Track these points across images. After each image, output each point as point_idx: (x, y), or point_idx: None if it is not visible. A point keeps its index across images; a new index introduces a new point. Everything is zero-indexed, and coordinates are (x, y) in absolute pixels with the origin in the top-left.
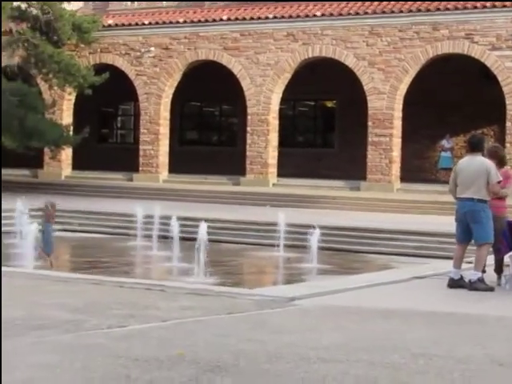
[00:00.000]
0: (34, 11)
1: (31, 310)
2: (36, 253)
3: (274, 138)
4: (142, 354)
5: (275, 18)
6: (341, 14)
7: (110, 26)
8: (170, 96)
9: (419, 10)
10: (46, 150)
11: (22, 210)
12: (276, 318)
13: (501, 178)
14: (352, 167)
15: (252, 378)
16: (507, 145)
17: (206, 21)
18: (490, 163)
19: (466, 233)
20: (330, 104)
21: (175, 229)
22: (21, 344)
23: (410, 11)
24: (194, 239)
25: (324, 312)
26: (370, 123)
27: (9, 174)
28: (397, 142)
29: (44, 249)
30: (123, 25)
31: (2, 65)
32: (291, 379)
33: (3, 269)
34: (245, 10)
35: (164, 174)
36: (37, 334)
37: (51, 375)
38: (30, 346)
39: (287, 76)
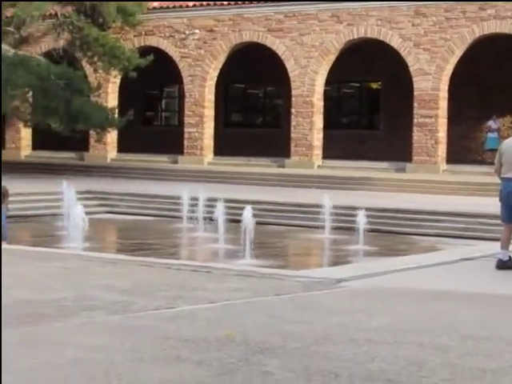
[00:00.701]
0: None
1: (80, 291)
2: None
3: (318, 119)
4: (190, 335)
5: None
6: None
7: (154, 8)
8: (215, 78)
9: None
10: (92, 132)
11: (68, 193)
12: (323, 299)
13: None
14: (397, 149)
15: (300, 360)
16: None
17: (251, 2)
18: None
19: (510, 213)
20: (374, 85)
21: (221, 211)
22: (71, 324)
23: None
24: (240, 221)
25: (372, 294)
26: (415, 104)
27: (55, 156)
28: (442, 122)
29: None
30: (168, 7)
31: (48, 48)
32: (340, 361)
33: (52, 250)
34: None
35: (209, 156)
36: (86, 315)
37: (101, 356)
38: (79, 327)
39: (332, 57)
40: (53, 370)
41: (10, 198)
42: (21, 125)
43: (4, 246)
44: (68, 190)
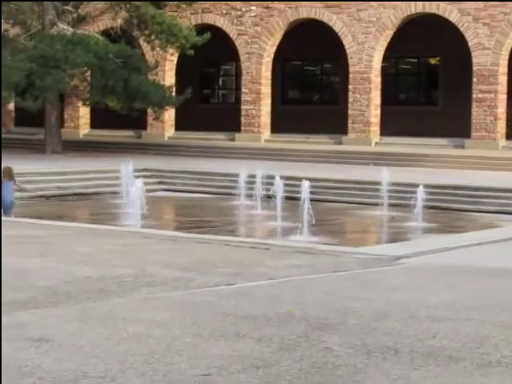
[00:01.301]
0: None
1: (140, 267)
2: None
3: (376, 96)
4: (250, 312)
5: None
6: None
7: None
8: (272, 55)
9: None
10: (150, 111)
11: (126, 171)
12: (383, 276)
13: None
14: (456, 125)
15: (360, 336)
16: None
17: None
18: None
19: None
20: (433, 61)
21: (278, 188)
22: (132, 300)
23: None
24: (297, 198)
25: (431, 270)
26: (474, 79)
27: (113, 135)
28: (502, 98)
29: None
30: None
31: (106, 27)
32: (400, 337)
33: (112, 227)
34: None
35: (266, 133)
36: (147, 291)
37: (162, 331)
38: (140, 303)
39: (389, 33)
40: (115, 344)
41: (73, 176)
42: (79, 104)
43: (14, 219)
44: (126, 168)
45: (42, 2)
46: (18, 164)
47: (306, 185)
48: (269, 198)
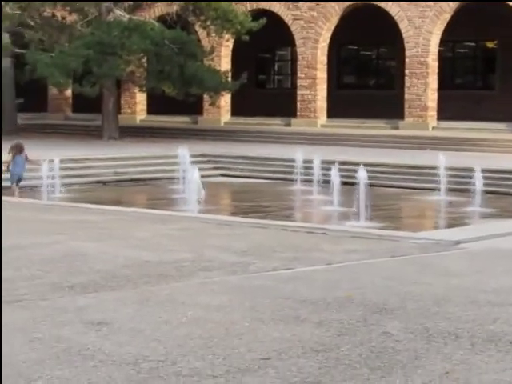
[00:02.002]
0: None
1: (198, 252)
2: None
3: (433, 80)
4: (308, 296)
5: None
6: None
7: None
8: (327, 40)
9: None
10: (206, 96)
11: (183, 157)
12: (442, 261)
13: None
14: None
15: (420, 320)
16: None
17: None
18: None
19: None
20: (490, 45)
21: (335, 173)
22: (190, 284)
23: None
24: (354, 183)
25: (491, 255)
26: None
27: (169, 121)
28: None
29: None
30: None
31: (162, 13)
32: (460, 322)
33: (169, 212)
34: None
35: (322, 118)
36: (205, 275)
37: (221, 315)
38: (199, 287)
39: (446, 17)
40: (174, 328)
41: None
42: (136, 90)
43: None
44: (183, 153)
45: None
46: (76, 150)
47: (362, 170)
48: (325, 183)
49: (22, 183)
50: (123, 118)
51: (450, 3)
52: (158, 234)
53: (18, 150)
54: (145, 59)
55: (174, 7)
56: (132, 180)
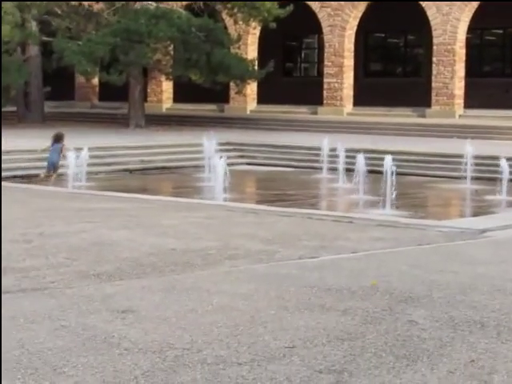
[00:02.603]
0: None
1: (224, 240)
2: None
3: (460, 68)
4: (334, 284)
5: None
6: None
7: None
8: (355, 28)
9: None
10: (232, 84)
11: (209, 145)
12: (468, 249)
13: None
14: None
15: (446, 309)
16: None
17: None
18: None
19: None
20: None
21: (361, 161)
22: (216, 273)
23: None
24: (380, 172)
25: None
26: None
27: (195, 109)
28: None
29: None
30: None
31: (189, 1)
32: (486, 311)
33: (195, 200)
34: None
35: (348, 106)
36: (231, 264)
37: (247, 303)
38: (225, 275)
39: (474, 4)
40: (200, 316)
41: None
42: (162, 78)
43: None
44: (209, 141)
45: None
46: (103, 138)
47: (389, 158)
48: (351, 171)
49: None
50: (149, 106)
51: None
52: (184, 222)
53: (56, 138)
54: (171, 47)
55: None
56: (158, 168)
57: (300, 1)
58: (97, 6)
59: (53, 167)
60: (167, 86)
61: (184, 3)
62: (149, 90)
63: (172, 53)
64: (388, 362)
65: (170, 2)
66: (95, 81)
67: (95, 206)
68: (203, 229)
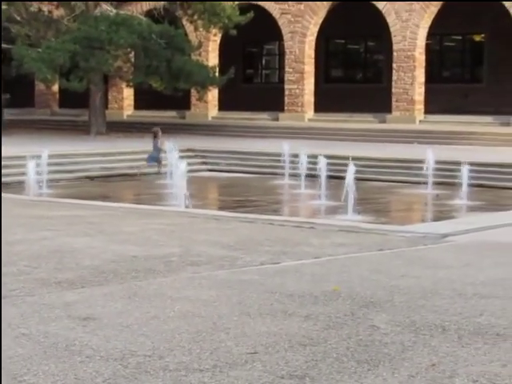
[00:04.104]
0: None
1: (186, 246)
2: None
3: (420, 73)
4: (296, 290)
5: None
6: None
7: None
8: (315, 34)
9: None
10: (193, 91)
11: (170, 152)
12: (429, 254)
13: None
14: (501, 102)
15: (407, 313)
16: None
17: None
18: None
19: None
20: (478, 38)
21: (322, 167)
22: (178, 279)
23: None
24: (341, 177)
25: (479, 248)
26: None
27: (158, 115)
28: None
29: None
30: None
31: (149, 7)
32: (447, 315)
33: (157, 207)
34: None
35: (309, 112)
36: (193, 270)
37: (209, 309)
38: (187, 281)
39: (434, 10)
40: (162, 323)
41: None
42: (123, 85)
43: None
44: (170, 148)
45: None
46: (63, 145)
47: (350, 164)
48: (312, 177)
49: (13, 179)
50: (110, 113)
51: None
52: (145, 229)
53: (154, 135)
54: (132, 54)
55: (162, 2)
56: (119, 175)
57: (260, 0)
58: (57, 13)
59: (155, 162)
60: (128, 93)
61: (144, 10)
62: (110, 97)
63: (133, 59)
64: (350, 366)
65: (131, 8)
66: (55, 88)
67: (56, 213)
68: (165, 235)
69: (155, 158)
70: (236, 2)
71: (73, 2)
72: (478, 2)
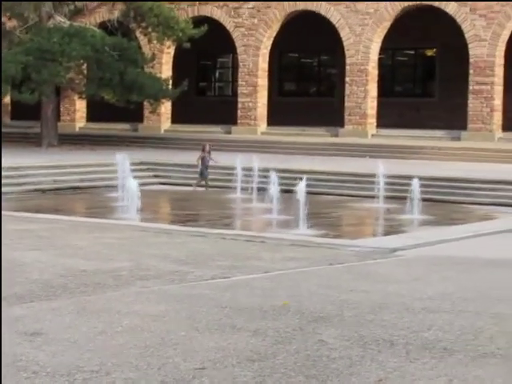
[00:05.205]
0: None
1: (136, 260)
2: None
3: (372, 88)
4: (246, 305)
5: None
6: None
7: None
8: (269, 47)
9: None
10: (146, 103)
11: (122, 165)
12: (379, 268)
13: None
14: (452, 116)
15: (356, 328)
16: None
17: None
18: None
19: None
20: (430, 52)
21: (274, 181)
22: (127, 293)
23: None
24: (293, 191)
25: (428, 262)
26: (470, 71)
27: (110, 128)
28: (498, 90)
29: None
30: None
31: (103, 19)
32: (396, 329)
33: (107, 221)
34: None
35: (262, 126)
36: (142, 284)
37: (157, 324)
38: (136, 296)
39: (386, 25)
40: (109, 338)
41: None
42: (75, 97)
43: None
44: (122, 161)
45: None
46: (14, 157)
47: (302, 178)
48: (264, 190)
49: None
50: (63, 125)
51: (390, 11)
52: (96, 243)
53: (202, 149)
54: (85, 66)
55: (116, 13)
56: (71, 188)
57: None
58: (9, 24)
59: (200, 176)
60: (80, 105)
61: (98, 22)
62: (62, 109)
63: (85, 71)
64: (298, 381)
65: (84, 20)
66: (7, 99)
67: (6, 227)
68: (115, 249)
69: (200, 171)
70: (190, 15)
71: (26, 14)
72: (430, 17)
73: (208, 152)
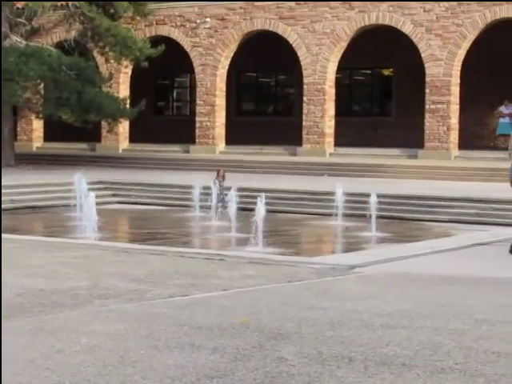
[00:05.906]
0: None
1: (94, 279)
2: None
3: (330, 107)
4: (204, 322)
5: None
6: None
7: None
8: (226, 67)
9: None
10: (104, 123)
11: (80, 184)
12: (337, 285)
13: None
14: (409, 135)
15: (314, 345)
16: None
17: None
18: None
19: None
20: (386, 72)
21: (233, 199)
22: (85, 312)
23: None
24: (252, 209)
25: (386, 279)
26: (427, 90)
27: (67, 148)
28: (455, 109)
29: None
30: None
31: (60, 39)
32: (354, 346)
33: (65, 240)
34: None
35: (221, 145)
36: (100, 303)
37: (116, 343)
38: (94, 315)
39: (343, 44)
40: (67, 357)
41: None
42: (32, 117)
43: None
44: (80, 180)
45: None
46: None
47: (261, 196)
48: (223, 209)
49: None
50: (20, 145)
51: (347, 31)
52: (54, 262)
53: (217, 174)
54: (42, 85)
55: (73, 33)
56: (28, 207)
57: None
58: None
59: (216, 201)
60: (38, 125)
61: (55, 41)
62: (19, 129)
63: (42, 91)
64: None
65: (41, 40)
66: None
67: None
68: (73, 268)
69: (216, 196)
70: (147, 35)
71: None
72: (387, 37)
73: (222, 177)
